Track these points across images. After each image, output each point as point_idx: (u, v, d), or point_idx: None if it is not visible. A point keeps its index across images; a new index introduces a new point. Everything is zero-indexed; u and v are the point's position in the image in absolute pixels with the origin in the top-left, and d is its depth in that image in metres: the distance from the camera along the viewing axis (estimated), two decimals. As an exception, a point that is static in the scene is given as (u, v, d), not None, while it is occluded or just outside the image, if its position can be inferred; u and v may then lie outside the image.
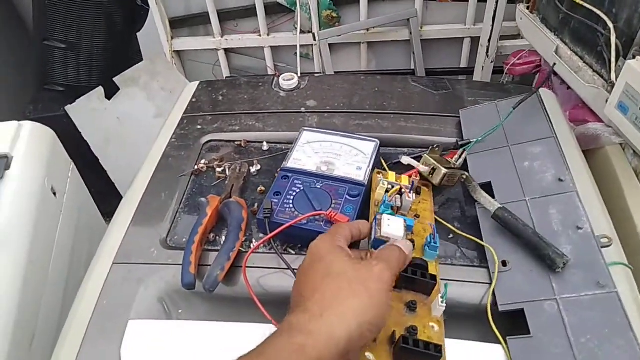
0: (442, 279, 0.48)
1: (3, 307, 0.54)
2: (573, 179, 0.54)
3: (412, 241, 0.47)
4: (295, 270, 0.47)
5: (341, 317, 0.34)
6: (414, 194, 0.52)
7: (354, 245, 0.44)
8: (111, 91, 1.30)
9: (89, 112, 1.26)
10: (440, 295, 0.42)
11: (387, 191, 0.51)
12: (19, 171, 0.67)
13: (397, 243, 0.43)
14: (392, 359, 0.40)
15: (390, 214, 0.47)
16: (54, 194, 0.74)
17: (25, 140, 0.72)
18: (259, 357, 0.32)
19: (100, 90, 1.28)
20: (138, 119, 1.28)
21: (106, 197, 1.01)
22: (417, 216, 0.52)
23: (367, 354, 0.39)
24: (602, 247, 0.48)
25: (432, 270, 0.45)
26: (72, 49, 1.36)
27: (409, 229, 0.48)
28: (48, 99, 1.41)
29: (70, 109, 1.25)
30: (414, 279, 0.43)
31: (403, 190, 0.51)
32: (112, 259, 0.52)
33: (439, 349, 0.38)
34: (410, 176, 0.55)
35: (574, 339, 0.42)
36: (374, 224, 0.46)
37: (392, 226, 0.45)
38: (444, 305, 0.42)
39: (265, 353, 0.32)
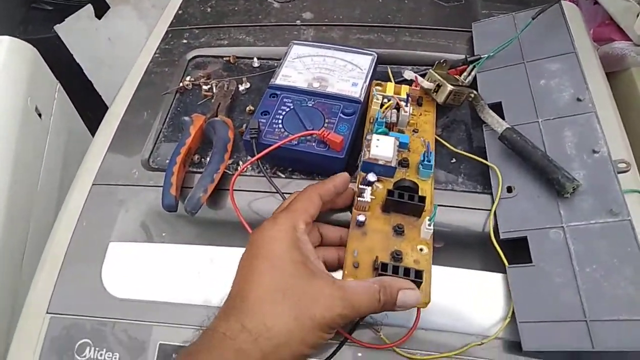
0: (441, 205, 0.45)
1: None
2: (592, 99, 0.49)
3: (404, 160, 0.44)
4: (285, 194, 0.44)
5: (269, 347, 0.30)
6: (412, 107, 0.48)
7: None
8: (101, 10, 1.22)
9: (79, 32, 1.20)
10: (427, 217, 0.39)
11: (381, 106, 0.47)
12: (-4, 89, 0.63)
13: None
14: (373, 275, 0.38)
15: (383, 132, 0.44)
16: (39, 114, 0.70)
17: (3, 56, 0.68)
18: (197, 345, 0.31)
19: (89, 8, 1.20)
20: (130, 39, 1.21)
21: (100, 120, 0.98)
22: (415, 131, 0.48)
23: (347, 279, 0.37)
24: (619, 172, 0.44)
25: (424, 191, 0.42)
26: (59, -37, 1.27)
27: (403, 146, 0.45)
28: (37, 19, 1.34)
29: (59, 28, 1.19)
30: (401, 202, 0.40)
31: (399, 104, 0.46)
32: (92, 180, 0.49)
33: (419, 274, 0.36)
34: (415, 85, 0.50)
35: (579, 268, 0.39)
36: (363, 145, 0.44)
37: (381, 146, 0.42)
38: (431, 228, 0.39)
39: (202, 342, 0.31)
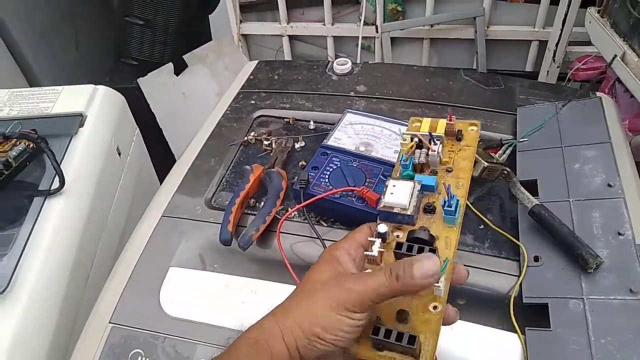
0: (467, 265, 0.48)
1: (65, 249, 0.60)
2: (622, 186, 0.52)
3: (429, 206, 0.40)
4: (325, 241, 0.50)
5: (287, 315, 0.34)
6: (447, 143, 0.44)
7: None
8: (180, 68, 1.37)
9: (158, 85, 1.34)
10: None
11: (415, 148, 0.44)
12: (91, 129, 0.74)
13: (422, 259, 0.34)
14: (372, 345, 0.35)
15: (408, 176, 0.41)
16: (119, 153, 0.80)
17: (99, 102, 0.79)
18: (224, 352, 0.34)
19: (170, 66, 1.36)
20: (201, 95, 1.35)
21: (165, 167, 1.07)
22: (449, 170, 0.44)
23: None
24: (641, 255, 0.47)
25: (448, 240, 0.39)
26: (149, 26, 1.45)
27: (428, 189, 0.41)
28: (123, 72, 1.52)
29: (141, 81, 1.34)
30: (408, 255, 0.36)
31: (423, 142, 0.43)
32: (161, 212, 0.57)
33: (412, 340, 0.33)
34: (449, 120, 0.45)
35: (594, 338, 0.41)
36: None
37: (396, 193, 0.39)
38: (440, 285, 0.35)
39: (228, 347, 0.34)
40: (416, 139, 0.44)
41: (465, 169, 0.43)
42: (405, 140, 0.45)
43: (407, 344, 0.33)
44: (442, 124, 0.46)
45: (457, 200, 0.39)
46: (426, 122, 0.46)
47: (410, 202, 0.39)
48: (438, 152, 0.43)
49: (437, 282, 0.34)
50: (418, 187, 0.40)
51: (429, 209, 0.40)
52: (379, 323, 0.35)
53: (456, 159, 0.44)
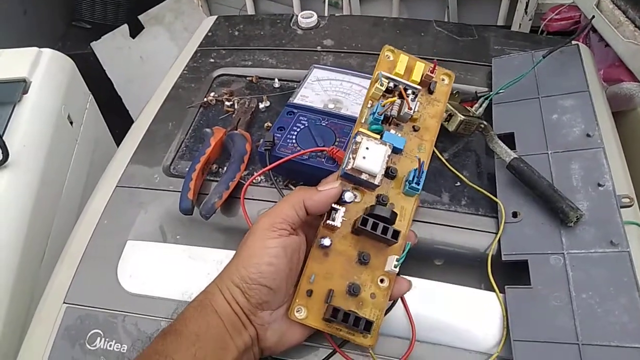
0: (444, 225, 0.47)
1: (15, 226, 0.56)
2: (601, 136, 0.51)
3: (392, 171, 0.39)
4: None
5: (223, 276, 0.36)
6: (418, 101, 0.41)
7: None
8: (136, 30, 1.29)
9: (113, 50, 1.26)
10: (396, 257, 0.37)
11: (386, 91, 0.41)
12: (36, 96, 0.68)
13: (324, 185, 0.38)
14: (323, 318, 0.37)
15: (377, 130, 0.39)
16: (71, 122, 0.74)
17: (44, 66, 0.73)
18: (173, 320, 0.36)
19: (125, 28, 1.27)
20: (160, 58, 1.28)
21: (125, 133, 1.02)
22: (415, 128, 0.41)
23: (297, 307, 0.37)
24: (622, 206, 0.45)
25: (404, 211, 0.39)
26: (100, -15, 1.35)
27: (397, 151, 0.39)
28: (76, 36, 1.42)
29: (95, 45, 1.25)
30: (372, 233, 0.36)
31: (404, 95, 0.40)
32: (116, 182, 0.53)
33: (369, 326, 0.36)
34: (431, 71, 0.42)
35: (575, 294, 0.40)
36: (350, 146, 0.38)
37: (369, 157, 0.37)
38: (397, 269, 0.37)
39: (181, 314, 0.36)
40: (397, 91, 0.40)
41: (431, 129, 0.42)
42: (382, 84, 0.40)
43: (363, 329, 0.36)
44: (419, 67, 0.42)
45: (425, 175, 0.38)
46: (402, 60, 0.42)
47: (380, 170, 0.37)
48: (414, 110, 0.40)
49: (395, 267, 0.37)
50: (389, 151, 0.38)
51: (392, 174, 0.39)
52: (332, 300, 0.37)
53: (423, 114, 0.42)
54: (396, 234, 0.36)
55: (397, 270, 0.37)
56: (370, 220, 0.36)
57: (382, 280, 0.38)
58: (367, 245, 0.39)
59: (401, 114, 0.40)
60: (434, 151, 0.50)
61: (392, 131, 0.40)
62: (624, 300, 0.39)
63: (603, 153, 0.49)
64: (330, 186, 0.38)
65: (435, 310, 0.42)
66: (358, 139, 0.38)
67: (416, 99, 0.41)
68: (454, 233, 0.46)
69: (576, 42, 0.64)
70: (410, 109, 0.40)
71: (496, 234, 0.46)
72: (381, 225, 0.36)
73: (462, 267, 0.45)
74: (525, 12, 1.24)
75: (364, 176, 0.37)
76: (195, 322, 0.34)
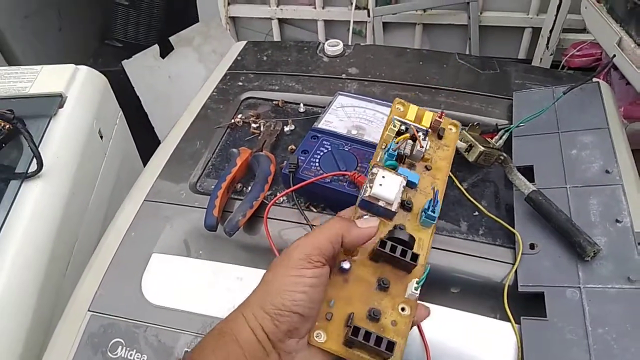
0: (462, 253, 0.47)
1: (42, 235, 0.58)
2: (620, 172, 0.51)
3: (408, 203, 0.41)
4: (314, 227, 0.48)
5: (251, 303, 0.35)
6: (429, 140, 0.44)
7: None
8: (166, 50, 1.34)
9: (143, 68, 1.31)
10: (416, 280, 0.37)
11: (398, 134, 0.43)
12: (71, 110, 0.71)
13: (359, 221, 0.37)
14: (343, 341, 0.36)
15: (392, 165, 0.41)
16: (101, 137, 0.77)
17: (80, 82, 0.76)
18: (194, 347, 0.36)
19: (155, 48, 1.32)
20: (188, 79, 1.32)
21: (150, 152, 1.05)
22: (428, 168, 0.44)
23: (317, 332, 0.36)
24: (639, 243, 0.46)
25: (421, 242, 0.39)
26: (134, 7, 1.41)
27: (412, 185, 0.41)
28: (108, 54, 1.48)
29: (126, 63, 1.30)
30: (391, 256, 0.37)
31: (416, 136, 0.42)
32: (144, 196, 0.55)
33: (391, 346, 0.34)
34: (439, 117, 0.45)
35: (592, 328, 0.40)
36: (367, 177, 0.40)
37: (385, 185, 0.38)
38: (417, 292, 0.36)
39: (199, 343, 0.35)
40: (410, 131, 0.43)
41: (442, 170, 0.44)
42: (395, 126, 0.43)
43: (385, 349, 0.34)
44: (428, 116, 0.46)
45: (440, 207, 0.39)
46: (412, 110, 0.46)
47: (396, 197, 0.38)
48: (425, 149, 0.43)
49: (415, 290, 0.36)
50: (404, 182, 0.40)
51: (408, 207, 0.41)
52: (352, 322, 0.36)
53: (434, 157, 0.45)
54: (415, 256, 0.37)
55: (417, 294, 0.36)
56: (389, 243, 0.37)
57: (403, 309, 0.37)
58: (386, 272, 0.39)
59: (414, 152, 0.43)
60: (453, 180, 0.52)
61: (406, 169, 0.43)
62: (640, 338, 0.39)
63: (622, 189, 0.49)
64: (370, 224, 0.38)
65: (451, 337, 0.42)
66: (374, 170, 0.40)
67: (427, 138, 0.43)
68: (471, 262, 0.47)
69: (597, 80, 0.65)
70: (422, 147, 0.42)
71: (513, 264, 0.46)
72: (400, 247, 0.36)
73: (478, 296, 0.45)
74: (547, 47, 1.26)
75: (381, 203, 0.39)
76: (212, 353, 0.34)
